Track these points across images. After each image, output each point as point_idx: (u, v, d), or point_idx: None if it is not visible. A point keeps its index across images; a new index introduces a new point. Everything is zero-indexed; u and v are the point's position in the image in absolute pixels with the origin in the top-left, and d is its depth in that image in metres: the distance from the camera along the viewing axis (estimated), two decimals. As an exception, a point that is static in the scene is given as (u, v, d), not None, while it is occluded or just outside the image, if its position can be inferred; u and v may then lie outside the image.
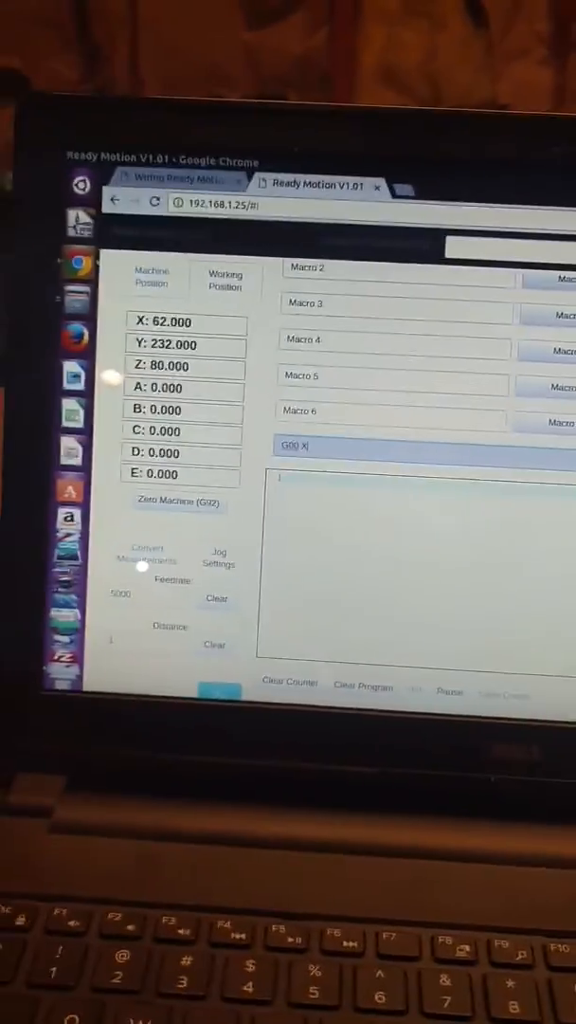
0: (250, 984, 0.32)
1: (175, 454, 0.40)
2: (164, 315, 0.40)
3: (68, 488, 0.40)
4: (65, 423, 0.40)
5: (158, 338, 0.40)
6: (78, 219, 0.39)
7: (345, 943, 0.34)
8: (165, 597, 0.40)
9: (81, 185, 0.39)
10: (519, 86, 1.56)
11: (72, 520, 0.40)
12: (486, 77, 1.58)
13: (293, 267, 0.39)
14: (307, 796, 0.40)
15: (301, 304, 0.39)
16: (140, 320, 0.40)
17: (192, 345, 0.40)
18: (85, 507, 0.40)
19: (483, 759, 0.40)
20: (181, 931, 0.34)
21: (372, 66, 1.62)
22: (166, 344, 0.40)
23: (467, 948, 0.35)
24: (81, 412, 0.40)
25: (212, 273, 0.39)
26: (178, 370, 0.40)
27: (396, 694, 0.40)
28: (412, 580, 0.40)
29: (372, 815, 0.39)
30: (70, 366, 0.40)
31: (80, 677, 0.41)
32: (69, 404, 0.40)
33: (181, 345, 0.40)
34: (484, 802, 0.40)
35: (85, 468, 0.40)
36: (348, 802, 0.40)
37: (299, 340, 0.40)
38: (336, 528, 0.40)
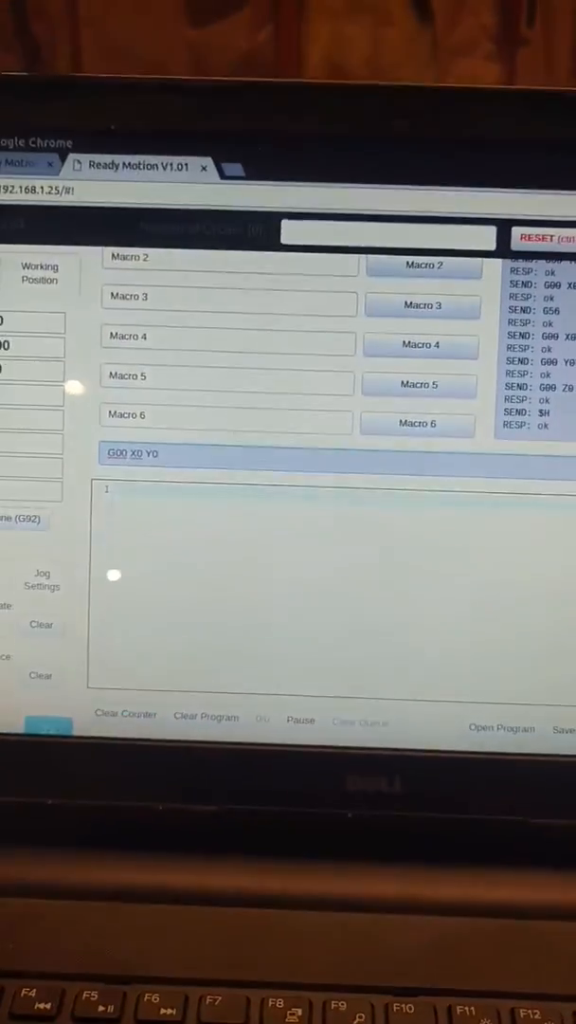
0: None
1: (-11, 465, 0.36)
2: (-27, 313, 0.36)
3: None
4: None
5: (-32, 338, 0.36)
6: None
7: (163, 1010, 0.31)
8: (-16, 624, 0.37)
9: None
10: (466, 82, 1.52)
11: None
12: (432, 72, 1.54)
13: (114, 257, 0.36)
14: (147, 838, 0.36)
15: (124, 297, 0.36)
16: (-52, 319, 0.36)
17: (5, 345, 0.36)
18: None
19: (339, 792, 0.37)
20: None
21: (318, 63, 1.58)
22: (-24, 345, 0.36)
23: (299, 1012, 0.31)
24: None
25: (25, 266, 0.36)
26: (-9, 373, 0.36)
27: (242, 724, 0.37)
28: (255, 598, 0.36)
29: (212, 858, 0.36)
30: None
31: None
32: None
33: (-6, 345, 0.36)
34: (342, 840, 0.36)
35: None
36: (186, 844, 0.36)
37: (123, 337, 0.36)
38: (170, 544, 0.36)
